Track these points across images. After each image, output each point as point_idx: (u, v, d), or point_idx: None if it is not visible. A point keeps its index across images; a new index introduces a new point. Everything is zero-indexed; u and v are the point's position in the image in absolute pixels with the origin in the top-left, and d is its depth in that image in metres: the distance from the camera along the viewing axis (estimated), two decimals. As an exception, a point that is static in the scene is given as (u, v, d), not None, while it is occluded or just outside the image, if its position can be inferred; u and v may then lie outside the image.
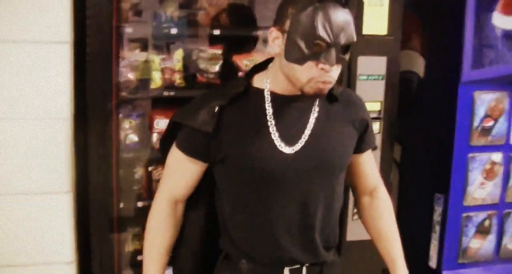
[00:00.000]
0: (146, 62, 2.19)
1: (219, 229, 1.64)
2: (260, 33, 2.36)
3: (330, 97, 1.55)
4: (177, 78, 2.25)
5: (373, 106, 2.27)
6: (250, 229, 1.58)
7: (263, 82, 1.52)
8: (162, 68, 2.22)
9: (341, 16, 1.39)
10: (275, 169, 1.49)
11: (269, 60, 1.56)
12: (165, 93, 2.21)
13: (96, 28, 1.90)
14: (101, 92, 1.98)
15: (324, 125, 1.54)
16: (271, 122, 1.50)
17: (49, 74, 1.86)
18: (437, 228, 2.51)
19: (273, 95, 1.50)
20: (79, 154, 1.97)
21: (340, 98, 1.58)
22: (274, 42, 1.45)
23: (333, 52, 1.39)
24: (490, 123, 2.43)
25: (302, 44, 1.38)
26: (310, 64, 1.39)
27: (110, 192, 2.10)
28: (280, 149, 1.49)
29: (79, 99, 1.95)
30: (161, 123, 2.26)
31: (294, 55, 1.40)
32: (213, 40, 2.31)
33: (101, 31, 1.91)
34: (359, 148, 1.65)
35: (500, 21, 2.30)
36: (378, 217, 1.73)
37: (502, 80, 2.41)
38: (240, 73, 2.28)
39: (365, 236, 1.82)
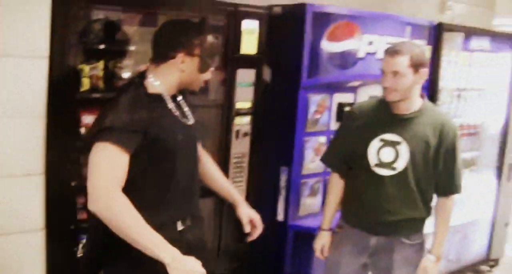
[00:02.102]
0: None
1: None
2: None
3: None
4: (101, 84, 2.82)
5: (247, 104, 3.12)
6: (170, 191, 2.09)
7: (155, 88, 2.07)
8: (90, 75, 2.77)
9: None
10: (181, 138, 2.10)
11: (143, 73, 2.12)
12: (93, 95, 2.73)
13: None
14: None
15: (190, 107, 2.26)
16: (175, 112, 2.13)
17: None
18: (283, 192, 3.37)
19: (168, 96, 2.11)
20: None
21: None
22: (181, 64, 2.06)
23: (216, 60, 2.21)
24: (318, 116, 3.38)
25: (208, 60, 2.14)
26: (210, 70, 2.17)
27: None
28: (186, 124, 2.15)
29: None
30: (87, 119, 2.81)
31: (204, 67, 2.12)
32: (126, 54, 2.90)
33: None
34: None
35: (326, 45, 3.26)
36: (209, 167, 2.43)
37: (326, 86, 3.37)
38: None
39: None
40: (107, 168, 1.90)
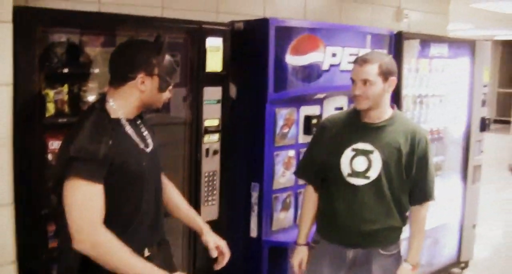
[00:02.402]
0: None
1: None
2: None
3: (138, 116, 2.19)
4: (66, 108, 2.77)
5: (214, 122, 3.10)
6: (136, 219, 2.06)
7: (115, 112, 2.04)
8: (55, 100, 2.72)
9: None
10: (144, 165, 2.07)
11: (104, 97, 2.10)
12: (59, 120, 2.67)
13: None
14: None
15: (149, 131, 2.23)
16: (135, 138, 2.09)
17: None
18: (255, 208, 3.35)
19: (127, 120, 2.08)
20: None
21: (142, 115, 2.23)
22: (141, 84, 2.04)
23: (175, 77, 2.20)
24: (286, 130, 3.39)
25: (168, 78, 2.12)
26: (169, 88, 2.15)
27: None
28: (145, 151, 2.11)
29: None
30: (54, 144, 2.76)
31: (164, 86, 2.10)
32: (91, 77, 2.86)
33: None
34: None
35: (290, 59, 3.27)
36: (172, 194, 2.39)
37: (292, 99, 3.37)
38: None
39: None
40: (86, 206, 1.88)
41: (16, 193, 2.40)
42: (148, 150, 2.15)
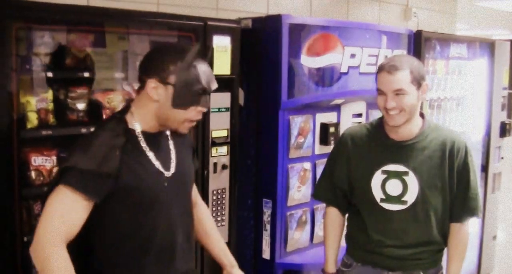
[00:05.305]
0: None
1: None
2: (119, 75, 2.63)
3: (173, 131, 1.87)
4: (51, 118, 2.39)
5: (222, 133, 2.73)
6: (146, 252, 1.78)
7: (132, 123, 1.79)
8: (38, 109, 2.34)
9: (208, 67, 1.83)
10: (160, 189, 1.79)
11: (129, 105, 1.84)
12: (43, 132, 2.31)
13: None
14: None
15: (179, 152, 1.92)
16: (150, 154, 1.79)
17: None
18: (268, 227, 3.03)
19: (144, 133, 1.79)
20: None
21: None
22: (152, 90, 1.74)
23: (208, 98, 1.83)
24: (301, 139, 3.05)
25: (188, 94, 1.75)
26: (191, 108, 1.78)
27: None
28: (163, 174, 1.81)
29: None
30: (38, 160, 2.39)
31: (180, 102, 1.75)
32: (79, 81, 2.49)
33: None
34: None
35: (305, 61, 2.92)
36: (203, 219, 2.11)
37: (308, 106, 3.04)
38: (106, 111, 2.51)
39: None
40: (60, 217, 1.63)
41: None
42: (169, 173, 1.83)
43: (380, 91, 2.17)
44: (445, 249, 2.35)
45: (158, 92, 1.74)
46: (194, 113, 1.79)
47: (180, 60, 1.73)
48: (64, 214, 1.64)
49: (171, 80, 1.73)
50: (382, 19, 4.88)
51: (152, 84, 1.74)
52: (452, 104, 4.38)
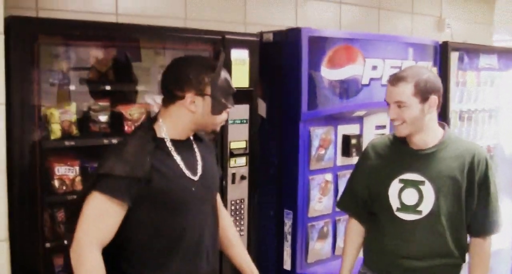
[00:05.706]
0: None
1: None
2: (140, 87, 2.72)
3: (197, 138, 2.00)
4: (74, 129, 2.48)
5: (241, 144, 2.78)
6: (174, 252, 1.84)
7: (162, 132, 1.87)
8: (62, 121, 2.43)
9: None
10: (189, 191, 1.87)
11: (156, 116, 1.93)
12: (66, 143, 2.41)
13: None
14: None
15: (204, 157, 1.98)
16: (177, 159, 1.87)
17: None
18: (289, 238, 3.04)
19: (172, 141, 1.88)
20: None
21: (202, 138, 2.05)
22: (191, 104, 1.83)
23: (232, 98, 1.93)
24: (322, 151, 3.06)
25: (222, 99, 1.86)
26: (226, 110, 1.90)
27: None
28: (190, 177, 1.88)
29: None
30: (61, 170, 2.48)
31: (218, 108, 1.86)
32: (102, 94, 2.58)
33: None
34: None
35: (326, 73, 2.94)
36: (226, 226, 2.15)
37: (329, 118, 3.05)
38: (130, 123, 2.60)
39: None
40: (97, 222, 1.74)
41: (11, 228, 2.11)
42: (196, 176, 1.91)
43: (386, 102, 2.20)
44: (464, 266, 2.32)
45: (196, 104, 1.84)
46: (225, 114, 1.92)
47: (212, 71, 1.83)
48: (100, 217, 1.74)
49: (208, 91, 1.83)
50: (414, 31, 4.82)
51: (190, 98, 1.83)
52: (484, 116, 4.31)
